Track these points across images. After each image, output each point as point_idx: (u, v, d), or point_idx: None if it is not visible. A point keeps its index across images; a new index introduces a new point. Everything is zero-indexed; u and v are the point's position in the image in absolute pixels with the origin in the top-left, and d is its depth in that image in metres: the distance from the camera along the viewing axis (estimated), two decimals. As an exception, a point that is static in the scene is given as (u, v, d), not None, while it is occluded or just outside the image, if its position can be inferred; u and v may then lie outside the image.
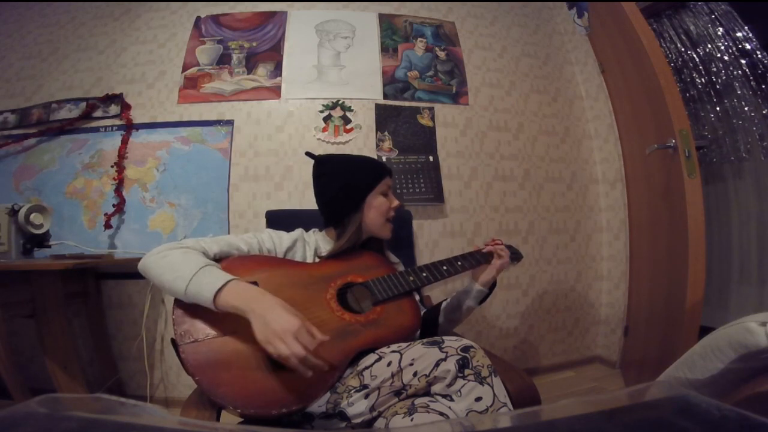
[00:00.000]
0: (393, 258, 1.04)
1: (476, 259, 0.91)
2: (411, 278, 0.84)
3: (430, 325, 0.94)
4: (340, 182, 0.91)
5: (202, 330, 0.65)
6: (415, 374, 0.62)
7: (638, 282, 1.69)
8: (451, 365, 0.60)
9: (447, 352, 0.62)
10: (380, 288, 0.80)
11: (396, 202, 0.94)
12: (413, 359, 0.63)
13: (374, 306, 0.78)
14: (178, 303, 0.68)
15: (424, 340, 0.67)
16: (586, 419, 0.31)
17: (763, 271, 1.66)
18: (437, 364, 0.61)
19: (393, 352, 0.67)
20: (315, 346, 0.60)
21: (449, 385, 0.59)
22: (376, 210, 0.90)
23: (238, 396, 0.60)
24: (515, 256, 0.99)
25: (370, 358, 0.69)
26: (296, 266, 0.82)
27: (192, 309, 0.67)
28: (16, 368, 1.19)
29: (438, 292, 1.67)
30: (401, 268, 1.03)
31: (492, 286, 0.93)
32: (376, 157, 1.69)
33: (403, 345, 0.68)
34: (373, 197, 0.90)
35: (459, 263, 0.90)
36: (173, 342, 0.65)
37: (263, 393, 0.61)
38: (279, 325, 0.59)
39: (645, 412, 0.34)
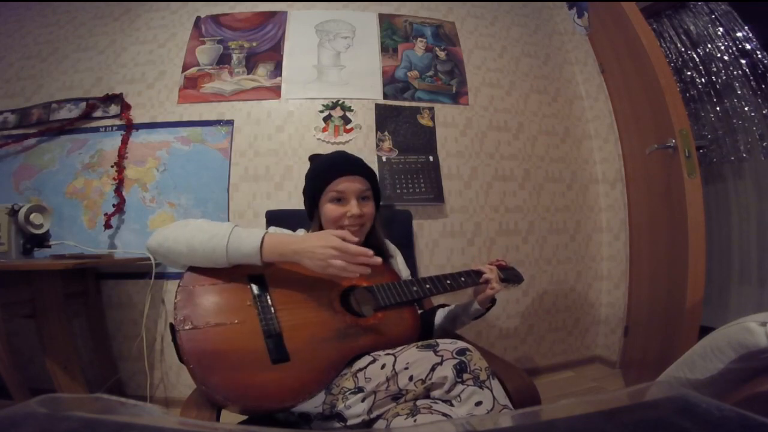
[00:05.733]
0: (391, 247, 1.03)
1: (480, 277, 0.91)
2: (414, 288, 0.83)
3: (425, 328, 0.94)
4: (305, 187, 0.93)
5: (203, 317, 0.64)
6: (410, 378, 0.61)
7: (638, 282, 1.69)
8: (448, 371, 0.59)
9: (442, 356, 0.61)
10: (384, 294, 0.79)
11: (354, 210, 0.84)
12: (408, 363, 0.62)
13: (375, 311, 0.78)
14: (183, 287, 0.66)
15: (419, 344, 0.66)
16: (586, 419, 0.31)
17: (763, 271, 1.66)
18: (433, 369, 0.60)
19: (387, 354, 0.67)
20: (353, 242, 0.69)
21: (448, 391, 0.59)
22: (326, 219, 0.87)
23: (230, 389, 0.59)
24: (516, 279, 0.98)
25: (364, 360, 0.69)
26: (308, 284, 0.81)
27: (196, 295, 0.66)
28: (16, 368, 1.19)
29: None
30: (399, 258, 1.03)
31: (490, 305, 0.92)
32: (376, 157, 1.70)
33: (397, 348, 0.68)
34: (323, 205, 0.87)
35: (462, 279, 0.88)
36: (171, 326, 0.64)
37: (256, 388, 0.61)
38: (321, 253, 0.67)
39: (645, 412, 0.34)
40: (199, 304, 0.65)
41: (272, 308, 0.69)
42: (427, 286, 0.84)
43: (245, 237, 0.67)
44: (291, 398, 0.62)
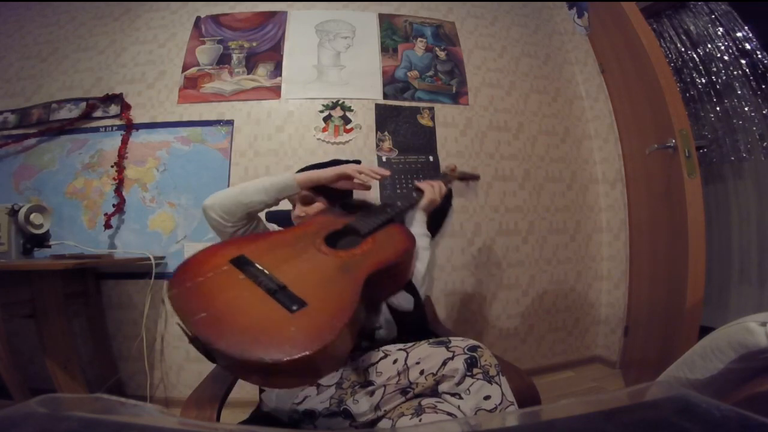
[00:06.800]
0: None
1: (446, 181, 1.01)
2: (388, 209, 0.87)
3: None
4: None
5: (206, 305, 0.60)
6: (421, 372, 0.62)
7: (638, 282, 1.69)
8: (459, 364, 0.60)
9: (454, 352, 0.62)
10: (363, 223, 0.80)
11: (294, 212, 0.99)
12: (420, 358, 0.63)
13: (363, 241, 0.77)
14: (172, 293, 0.63)
15: (430, 340, 0.67)
16: (586, 419, 0.31)
17: (763, 271, 1.66)
18: (444, 363, 0.61)
19: (399, 350, 0.67)
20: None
21: (458, 383, 0.60)
22: None
23: (265, 354, 0.51)
24: (471, 176, 1.12)
25: (376, 355, 0.69)
26: (279, 232, 0.83)
27: (188, 291, 0.63)
28: (16, 368, 1.20)
29: (439, 295, 1.67)
30: None
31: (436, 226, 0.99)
32: (376, 157, 1.70)
33: (409, 344, 0.69)
34: None
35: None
36: (180, 327, 0.59)
37: (291, 339, 0.54)
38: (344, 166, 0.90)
39: (645, 412, 0.34)
40: (197, 296, 0.62)
41: (265, 271, 0.66)
42: (398, 203, 0.90)
43: (279, 177, 0.88)
44: (328, 336, 0.54)
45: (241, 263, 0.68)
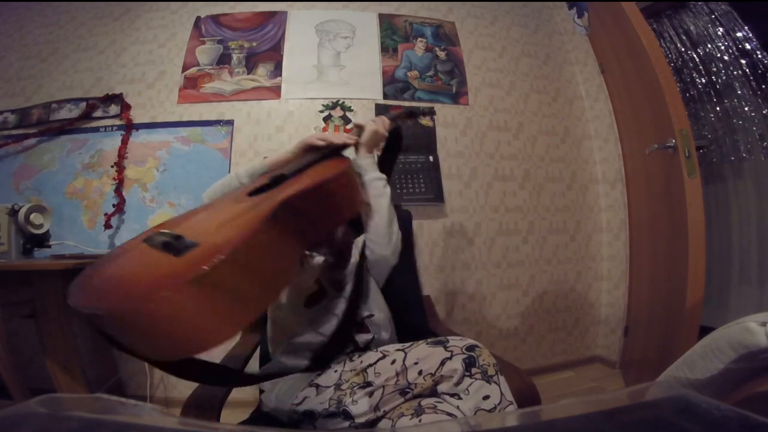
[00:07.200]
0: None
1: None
2: (321, 148, 0.82)
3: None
4: None
5: (111, 255, 0.58)
6: (420, 373, 0.62)
7: (638, 282, 1.69)
8: (457, 364, 0.60)
9: (452, 351, 0.62)
10: (289, 167, 0.73)
11: None
12: (418, 359, 0.64)
13: (289, 180, 0.69)
14: (83, 275, 0.57)
15: (429, 340, 0.67)
16: (586, 419, 0.31)
17: (763, 271, 1.66)
18: (443, 363, 0.61)
19: (397, 350, 0.68)
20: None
21: (457, 383, 0.60)
22: None
23: (126, 288, 0.46)
24: (425, 111, 1.13)
25: (374, 356, 0.69)
26: (204, 204, 0.77)
27: (98, 267, 0.57)
28: (16, 368, 1.20)
29: (437, 289, 1.67)
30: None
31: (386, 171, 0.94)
32: (375, 157, 1.70)
33: (407, 344, 0.69)
34: None
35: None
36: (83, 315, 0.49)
37: (155, 273, 0.48)
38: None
39: (645, 412, 0.34)
40: (93, 276, 0.55)
41: (164, 230, 0.56)
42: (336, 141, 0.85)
43: (250, 165, 0.85)
44: (205, 265, 0.44)
45: (150, 235, 0.58)
